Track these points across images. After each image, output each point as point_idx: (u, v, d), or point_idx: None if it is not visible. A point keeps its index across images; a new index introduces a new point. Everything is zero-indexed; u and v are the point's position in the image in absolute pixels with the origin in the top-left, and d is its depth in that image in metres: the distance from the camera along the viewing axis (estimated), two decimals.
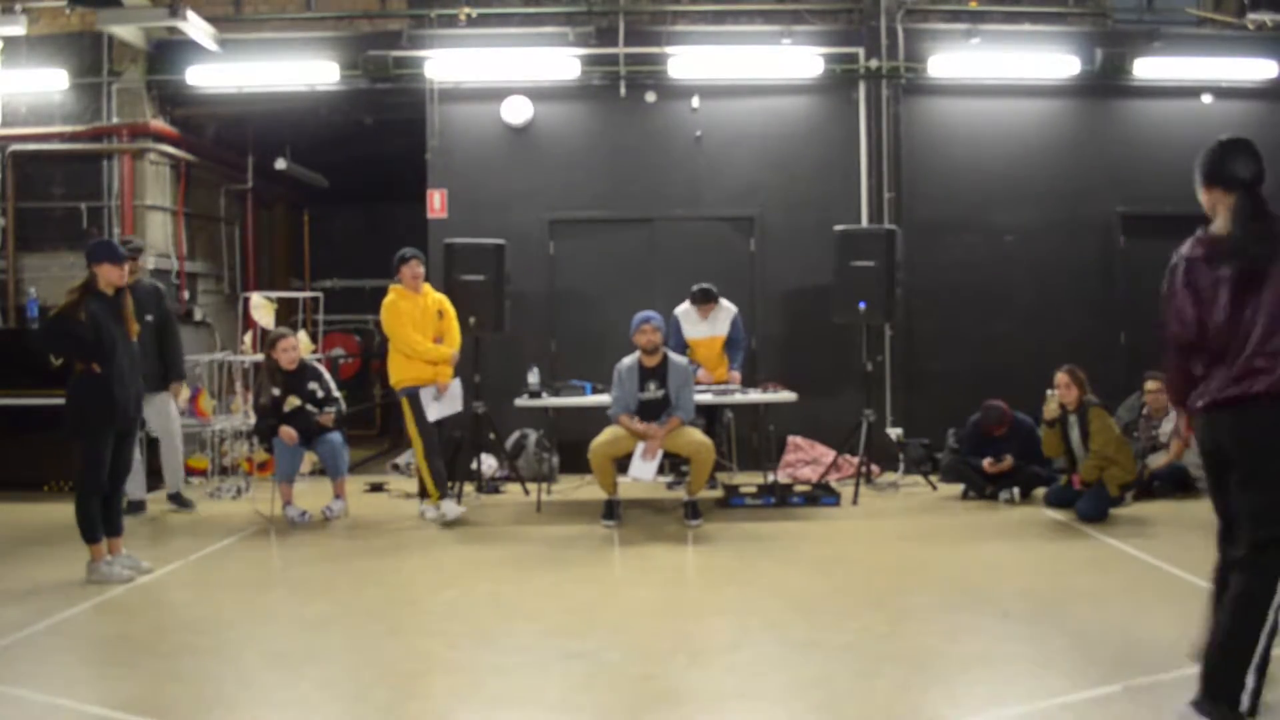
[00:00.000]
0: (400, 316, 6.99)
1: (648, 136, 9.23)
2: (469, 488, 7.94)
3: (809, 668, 4.09)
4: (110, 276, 5.49)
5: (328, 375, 7.43)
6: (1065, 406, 7.04)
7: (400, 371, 7.07)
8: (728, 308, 8.12)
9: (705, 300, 7.99)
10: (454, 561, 6.04)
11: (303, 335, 8.35)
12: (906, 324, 8.96)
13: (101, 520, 5.49)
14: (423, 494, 7.20)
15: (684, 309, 8.12)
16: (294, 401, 7.12)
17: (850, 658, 4.18)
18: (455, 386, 7.17)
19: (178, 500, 7.47)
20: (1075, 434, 7.07)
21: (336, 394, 7.37)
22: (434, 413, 7.03)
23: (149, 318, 7.03)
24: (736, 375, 8.04)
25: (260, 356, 8.34)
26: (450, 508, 6.98)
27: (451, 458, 8.41)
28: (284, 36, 9.27)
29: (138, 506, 7.29)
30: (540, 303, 9.09)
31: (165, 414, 7.48)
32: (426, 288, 7.21)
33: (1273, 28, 9.11)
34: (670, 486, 8.18)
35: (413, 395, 7.01)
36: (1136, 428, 7.93)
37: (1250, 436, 3.28)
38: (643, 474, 6.83)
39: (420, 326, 7.05)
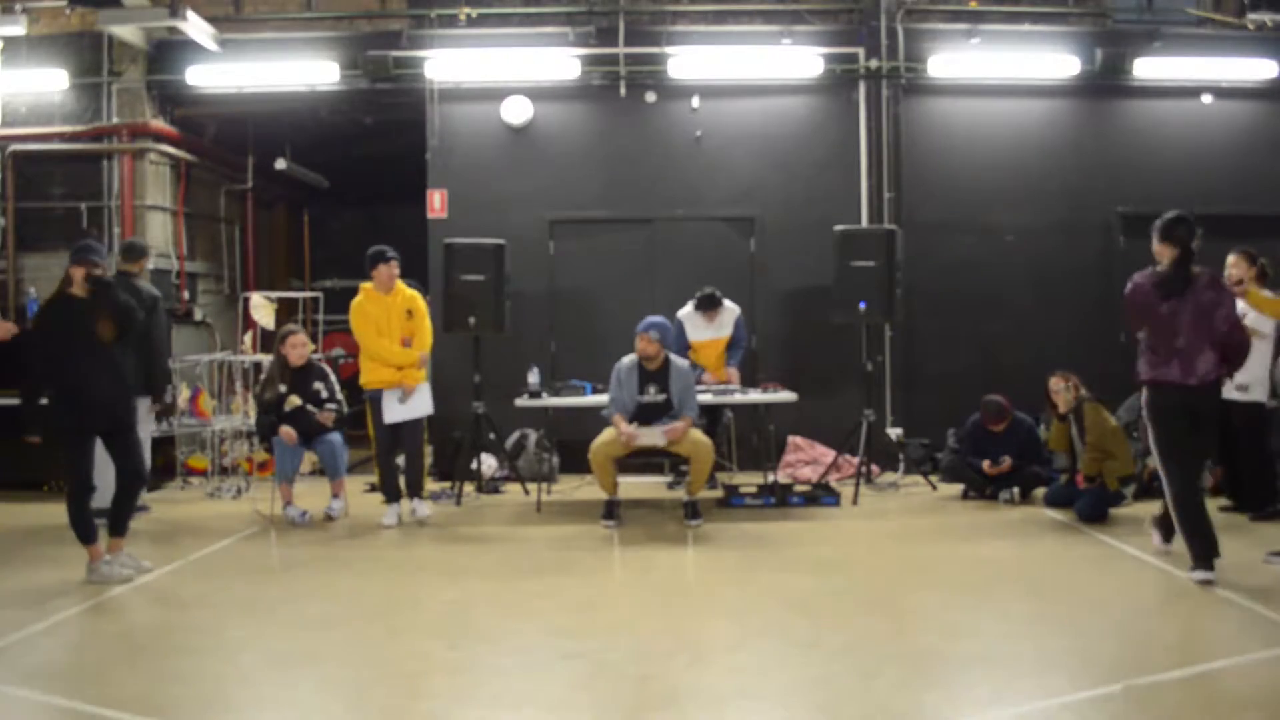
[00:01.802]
0: (366, 321, 6.97)
1: (648, 136, 9.23)
2: (469, 488, 7.94)
3: (809, 668, 4.09)
4: (75, 277, 5.47)
5: (334, 378, 7.42)
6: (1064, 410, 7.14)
7: (367, 374, 7.06)
8: (731, 309, 8.12)
9: (710, 306, 7.99)
10: (454, 562, 6.03)
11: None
12: (906, 324, 8.95)
13: (108, 519, 5.47)
14: (412, 492, 7.18)
15: (687, 312, 8.11)
16: (295, 401, 7.12)
17: (850, 658, 4.18)
18: (424, 390, 7.08)
19: (136, 509, 7.28)
20: (1074, 432, 7.15)
21: (340, 397, 7.36)
22: (394, 414, 6.95)
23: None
24: (733, 373, 8.03)
25: (260, 356, 8.36)
26: (390, 515, 6.98)
27: (451, 458, 8.43)
28: (284, 36, 9.26)
29: (138, 509, 7.28)
30: (540, 303, 9.08)
31: (139, 420, 7.35)
32: (399, 285, 7.13)
33: (1273, 28, 9.11)
34: (670, 486, 8.18)
35: (376, 399, 7.01)
36: (1136, 428, 7.93)
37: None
38: (653, 438, 6.80)
39: (386, 328, 6.99)
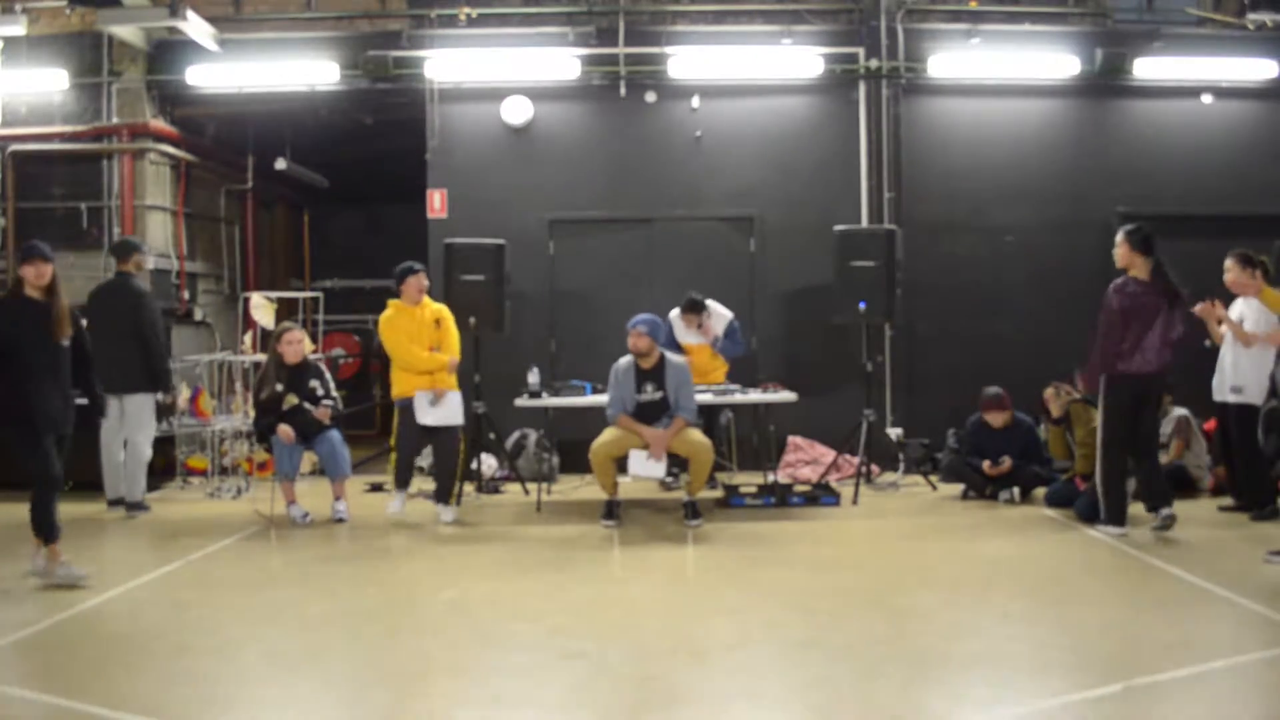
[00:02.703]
0: (397, 331, 7.01)
1: (648, 136, 9.23)
2: (469, 487, 7.93)
3: (809, 668, 4.09)
4: (28, 276, 5.40)
5: (329, 375, 7.42)
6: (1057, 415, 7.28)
7: (399, 385, 7.09)
8: (720, 315, 8.05)
9: (690, 310, 7.94)
10: (454, 561, 6.04)
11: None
12: (906, 324, 8.95)
13: (31, 521, 5.38)
14: (439, 497, 7.17)
15: (676, 314, 8.09)
16: (292, 400, 7.10)
17: (850, 658, 4.18)
18: (454, 399, 7.06)
19: (136, 508, 7.30)
20: (1068, 435, 7.26)
21: (335, 394, 7.35)
22: (425, 416, 6.95)
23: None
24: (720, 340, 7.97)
25: (260, 356, 8.34)
26: (396, 503, 7.06)
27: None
28: (284, 36, 9.27)
29: (138, 507, 7.30)
30: (540, 303, 9.08)
31: (137, 417, 7.36)
32: (425, 299, 7.18)
33: (1273, 28, 9.12)
34: (670, 486, 8.18)
35: (406, 406, 7.01)
36: None
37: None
38: (654, 471, 6.86)
39: (417, 338, 7.03)
